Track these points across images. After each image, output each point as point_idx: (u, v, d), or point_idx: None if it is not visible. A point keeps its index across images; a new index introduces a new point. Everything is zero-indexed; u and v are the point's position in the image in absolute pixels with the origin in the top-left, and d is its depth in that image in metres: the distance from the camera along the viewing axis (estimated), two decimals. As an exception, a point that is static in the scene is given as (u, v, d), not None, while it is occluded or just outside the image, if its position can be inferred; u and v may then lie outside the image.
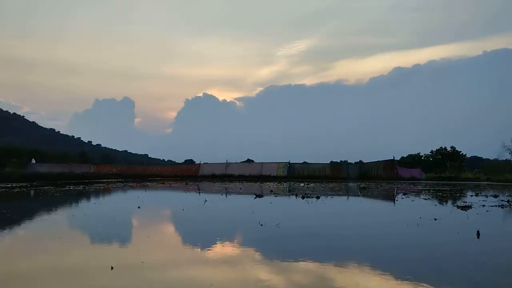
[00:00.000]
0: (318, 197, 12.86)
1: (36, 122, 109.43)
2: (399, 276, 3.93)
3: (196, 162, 47.71)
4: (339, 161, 49.39)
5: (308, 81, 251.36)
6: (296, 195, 13.96)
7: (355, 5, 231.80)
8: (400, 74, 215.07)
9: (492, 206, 10.47)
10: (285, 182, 29.00)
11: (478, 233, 5.92)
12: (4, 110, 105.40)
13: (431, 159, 59.08)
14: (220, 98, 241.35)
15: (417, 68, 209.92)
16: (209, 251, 5.09)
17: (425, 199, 13.73)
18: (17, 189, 17.32)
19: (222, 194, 16.35)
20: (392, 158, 39.00)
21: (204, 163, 43.82)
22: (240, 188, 21.12)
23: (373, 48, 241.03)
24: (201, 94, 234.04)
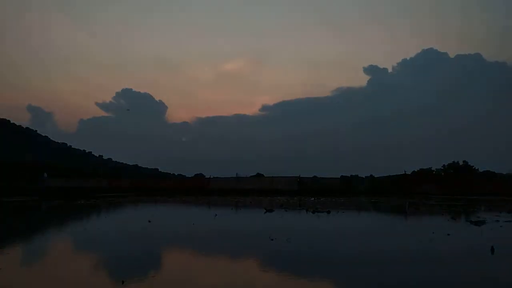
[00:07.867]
0: (328, 212, 12.78)
1: (49, 137, 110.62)
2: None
3: (206, 176, 47.77)
4: (349, 175, 48.92)
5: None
6: (307, 210, 13.88)
7: None
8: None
9: (506, 221, 10.28)
10: (296, 197, 28.85)
11: (492, 249, 5.82)
12: (17, 125, 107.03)
13: (442, 173, 58.34)
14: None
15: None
16: (218, 263, 5.09)
17: (438, 213, 13.55)
18: (30, 203, 17.51)
19: (232, 209, 16.33)
20: (403, 172, 38.72)
21: (214, 177, 43.87)
22: (251, 203, 21.07)
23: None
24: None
